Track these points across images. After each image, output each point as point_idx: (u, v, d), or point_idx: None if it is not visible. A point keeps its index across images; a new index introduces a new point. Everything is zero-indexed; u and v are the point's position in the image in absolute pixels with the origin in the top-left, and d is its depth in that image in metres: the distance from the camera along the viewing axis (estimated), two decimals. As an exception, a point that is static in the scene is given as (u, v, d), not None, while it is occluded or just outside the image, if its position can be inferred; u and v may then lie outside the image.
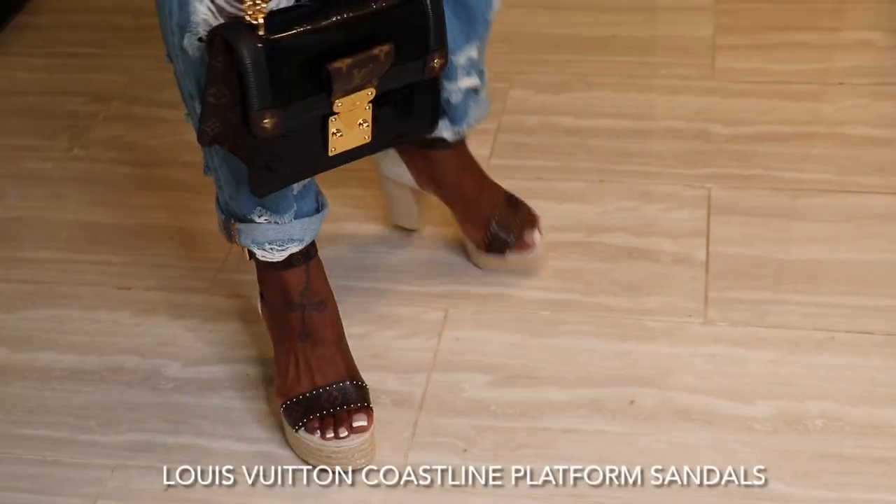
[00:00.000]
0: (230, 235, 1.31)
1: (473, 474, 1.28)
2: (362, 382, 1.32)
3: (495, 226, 1.50)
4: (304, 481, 1.29)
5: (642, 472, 1.27)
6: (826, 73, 1.89)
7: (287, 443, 1.32)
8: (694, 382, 1.37)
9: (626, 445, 1.30)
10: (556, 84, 1.90)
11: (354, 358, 1.42)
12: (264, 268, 1.33)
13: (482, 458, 1.30)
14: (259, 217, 1.27)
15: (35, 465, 1.33)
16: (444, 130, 1.44)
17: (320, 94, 1.10)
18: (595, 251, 1.57)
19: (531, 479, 1.27)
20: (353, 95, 1.13)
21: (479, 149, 1.76)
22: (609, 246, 1.57)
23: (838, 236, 1.56)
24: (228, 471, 1.30)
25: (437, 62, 1.17)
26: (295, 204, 1.28)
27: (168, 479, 1.30)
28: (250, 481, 1.29)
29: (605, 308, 1.48)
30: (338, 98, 1.12)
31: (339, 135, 1.16)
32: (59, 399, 1.41)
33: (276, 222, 1.27)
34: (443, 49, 1.17)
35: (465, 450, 1.31)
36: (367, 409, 1.29)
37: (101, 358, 1.46)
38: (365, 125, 1.17)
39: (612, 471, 1.27)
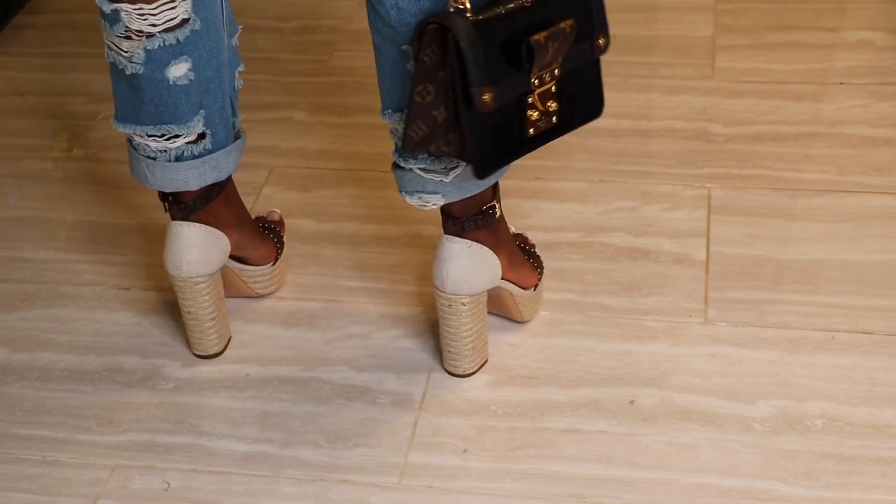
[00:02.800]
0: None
1: (473, 474, 1.28)
2: None
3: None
4: (304, 481, 1.29)
5: (642, 472, 1.27)
6: (826, 73, 1.89)
7: (535, 312, 1.46)
8: (694, 382, 1.37)
9: (626, 445, 1.30)
10: (556, 84, 1.90)
11: (354, 358, 1.43)
12: (498, 206, 1.31)
13: (482, 458, 1.30)
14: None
15: (35, 465, 1.33)
16: None
17: (521, 71, 1.15)
18: (595, 251, 1.57)
19: (531, 479, 1.27)
20: (542, 73, 1.17)
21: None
22: (609, 246, 1.57)
23: (838, 236, 1.56)
24: (228, 471, 1.30)
25: (602, 41, 1.22)
26: None
27: (168, 479, 1.30)
28: (250, 481, 1.29)
29: (605, 308, 1.48)
30: (535, 74, 1.16)
31: (533, 114, 1.19)
32: (59, 399, 1.41)
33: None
34: (605, 29, 1.21)
35: (465, 450, 1.31)
36: None
37: (101, 358, 1.47)
38: (552, 105, 1.20)
39: (611, 471, 1.27)
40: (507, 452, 1.30)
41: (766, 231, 1.58)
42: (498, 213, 1.32)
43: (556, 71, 1.18)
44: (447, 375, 1.40)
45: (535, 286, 1.44)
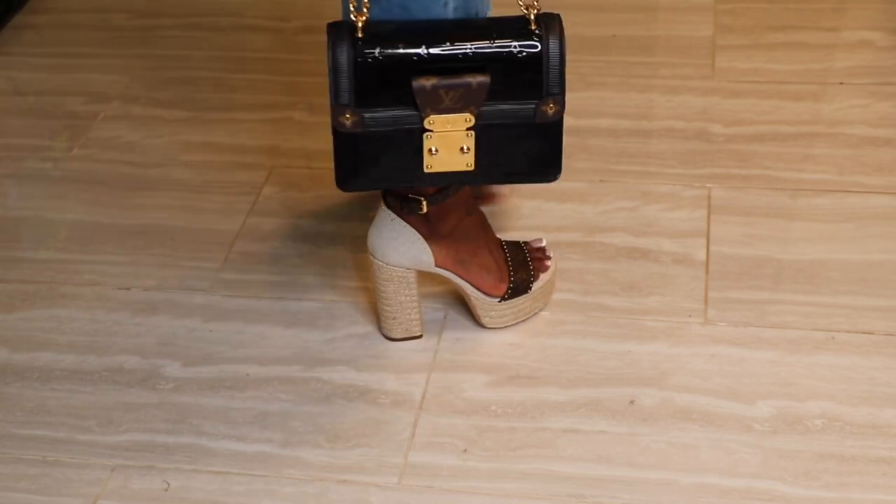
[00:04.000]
0: None
1: (473, 474, 1.28)
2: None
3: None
4: (304, 481, 1.29)
5: (642, 472, 1.27)
6: (826, 73, 1.89)
7: (506, 322, 1.45)
8: (694, 382, 1.37)
9: (626, 445, 1.30)
10: (556, 84, 1.90)
11: (354, 358, 1.43)
12: (448, 196, 1.32)
13: (482, 458, 1.30)
14: None
15: (35, 465, 1.33)
16: None
17: (410, 107, 1.15)
18: (595, 251, 1.57)
19: (531, 479, 1.27)
20: (446, 116, 1.16)
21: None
22: (609, 246, 1.57)
23: (838, 236, 1.56)
24: (228, 471, 1.30)
25: (551, 108, 1.19)
26: None
27: (168, 479, 1.30)
28: (250, 481, 1.29)
29: (605, 308, 1.48)
30: (428, 115, 1.16)
31: (435, 153, 1.19)
32: (59, 399, 1.41)
33: None
34: (559, 96, 1.19)
35: (465, 450, 1.31)
36: (529, 242, 1.46)
37: (101, 358, 1.46)
38: (467, 152, 1.20)
39: (611, 471, 1.27)
40: (507, 452, 1.30)
41: (766, 231, 1.58)
42: (424, 209, 1.31)
43: (469, 119, 1.17)
44: (447, 375, 1.40)
45: (503, 298, 1.42)
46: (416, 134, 1.18)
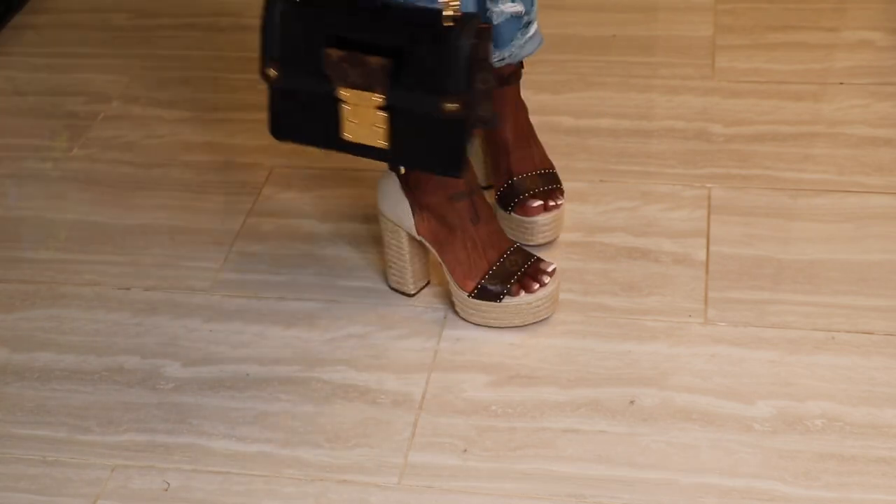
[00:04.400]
0: None
1: (473, 474, 1.28)
2: (520, 244, 1.46)
3: (515, 181, 1.54)
4: (304, 481, 1.29)
5: (642, 472, 1.27)
6: (826, 73, 1.89)
7: (473, 321, 1.45)
8: (694, 382, 1.37)
9: (626, 445, 1.30)
10: (556, 84, 1.90)
11: (354, 358, 1.43)
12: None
13: (482, 458, 1.30)
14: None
15: (35, 465, 1.33)
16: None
17: (325, 75, 1.23)
18: (595, 251, 1.57)
19: (531, 479, 1.27)
20: (357, 92, 1.23)
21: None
22: (609, 246, 1.57)
23: (838, 236, 1.56)
24: (228, 471, 1.31)
25: (449, 105, 1.22)
26: None
27: (168, 479, 1.30)
28: (250, 481, 1.29)
29: (605, 308, 1.48)
30: (339, 86, 1.23)
31: (353, 123, 1.27)
32: (59, 399, 1.41)
33: None
34: (460, 97, 1.21)
35: (465, 450, 1.31)
36: (543, 260, 1.44)
37: (101, 358, 1.47)
38: (379, 130, 1.25)
39: (611, 471, 1.27)
40: (507, 452, 1.30)
41: (766, 231, 1.58)
42: (401, 170, 1.39)
43: (377, 98, 1.22)
44: (447, 375, 1.40)
45: (470, 294, 1.43)
46: (334, 101, 1.26)
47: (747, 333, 1.43)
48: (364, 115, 1.26)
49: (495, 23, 1.45)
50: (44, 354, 1.48)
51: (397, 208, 1.44)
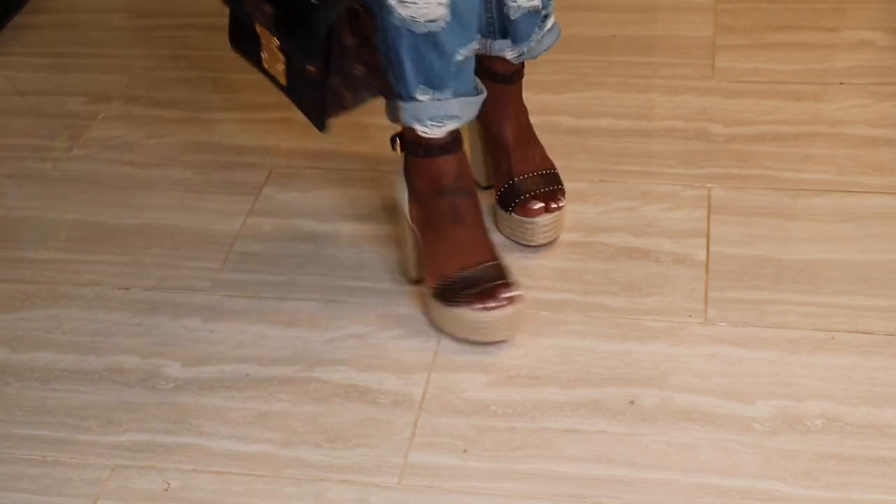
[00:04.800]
0: (394, 115, 1.41)
1: (473, 474, 1.28)
2: (505, 264, 1.44)
3: (516, 181, 1.55)
4: (304, 481, 1.29)
5: (642, 472, 1.27)
6: (826, 72, 1.89)
7: (430, 320, 1.46)
8: (694, 382, 1.37)
9: (626, 445, 1.30)
10: (556, 84, 1.90)
11: (354, 358, 1.43)
12: (419, 155, 1.42)
13: (482, 458, 1.30)
14: (422, 95, 1.36)
15: (35, 465, 1.33)
16: (506, 50, 1.51)
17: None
18: (595, 251, 1.57)
19: (531, 479, 1.27)
20: (264, 31, 1.38)
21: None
22: (609, 246, 1.57)
23: (838, 236, 1.56)
24: (228, 471, 1.30)
25: (309, 67, 1.33)
26: (453, 83, 1.36)
27: (168, 479, 1.30)
28: (250, 481, 1.29)
29: (605, 308, 1.48)
30: (256, 22, 1.38)
31: (266, 56, 1.40)
32: (59, 399, 1.41)
33: (437, 99, 1.37)
34: (317, 62, 1.32)
35: (465, 450, 1.31)
36: (513, 285, 1.41)
37: (101, 358, 1.47)
38: (280, 67, 1.38)
39: (611, 471, 1.27)
40: (507, 452, 1.30)
41: (766, 231, 1.58)
42: (396, 148, 1.44)
43: (274, 40, 1.35)
44: (447, 375, 1.40)
45: (432, 291, 1.44)
46: (256, 33, 1.40)
47: (747, 333, 1.43)
48: (272, 52, 1.38)
49: (513, 18, 1.46)
50: (44, 354, 1.48)
51: (400, 193, 1.47)
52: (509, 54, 1.51)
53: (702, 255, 1.55)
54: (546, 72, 1.92)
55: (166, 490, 1.29)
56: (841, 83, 1.86)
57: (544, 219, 1.54)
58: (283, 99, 1.96)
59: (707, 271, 1.52)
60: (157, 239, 1.65)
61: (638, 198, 1.65)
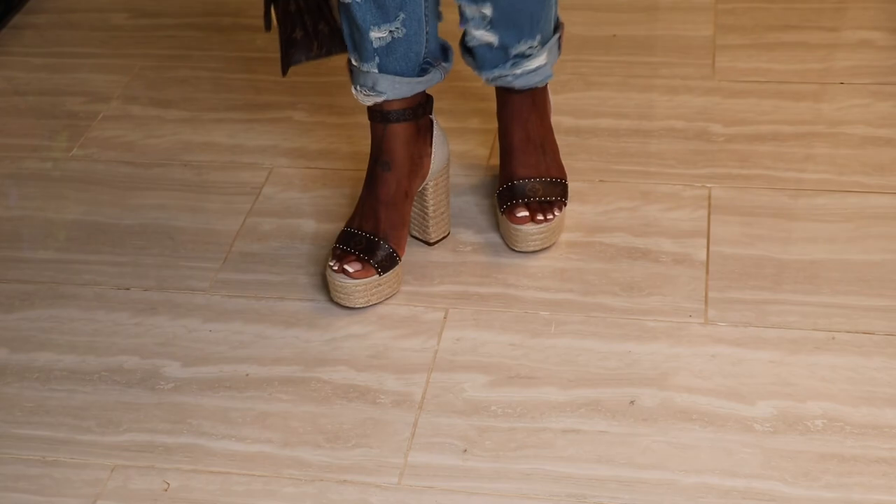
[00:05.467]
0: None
1: (473, 474, 1.28)
2: (394, 250, 1.50)
3: (515, 184, 1.55)
4: (304, 481, 1.29)
5: (642, 472, 1.27)
6: (826, 72, 1.89)
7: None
8: (694, 382, 1.37)
9: (626, 445, 1.30)
10: (556, 84, 1.90)
11: (354, 358, 1.43)
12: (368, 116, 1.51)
13: (482, 458, 1.30)
14: (353, 60, 1.47)
15: (35, 465, 1.33)
16: (475, 71, 1.53)
17: None
18: (595, 251, 1.57)
19: (531, 479, 1.27)
20: None
21: (478, 148, 1.76)
22: (609, 246, 1.57)
23: (838, 236, 1.56)
24: (228, 471, 1.30)
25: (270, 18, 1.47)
26: (376, 57, 1.43)
27: (168, 479, 1.30)
28: (250, 481, 1.29)
29: (605, 308, 1.48)
30: None
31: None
32: (59, 399, 1.41)
33: (363, 70, 1.45)
34: (266, 18, 1.45)
35: (465, 450, 1.31)
36: (366, 262, 1.48)
37: (101, 358, 1.46)
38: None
39: (612, 471, 1.27)
40: (507, 452, 1.30)
41: (766, 231, 1.58)
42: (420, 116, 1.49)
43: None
44: (447, 375, 1.40)
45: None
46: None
47: (748, 334, 1.43)
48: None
49: (469, 45, 1.49)
50: (44, 354, 1.48)
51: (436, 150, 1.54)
52: (481, 76, 1.53)
53: (702, 255, 1.55)
54: (546, 72, 1.92)
55: (166, 490, 1.29)
56: (841, 83, 1.86)
57: (530, 227, 1.53)
58: (283, 99, 1.97)
59: (707, 271, 1.52)
60: (157, 239, 1.65)
61: (638, 198, 1.65)
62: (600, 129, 1.79)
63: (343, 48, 1.48)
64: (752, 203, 1.63)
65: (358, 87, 1.47)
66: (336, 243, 1.51)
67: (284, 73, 1.50)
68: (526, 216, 1.53)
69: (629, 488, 1.25)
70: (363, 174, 1.65)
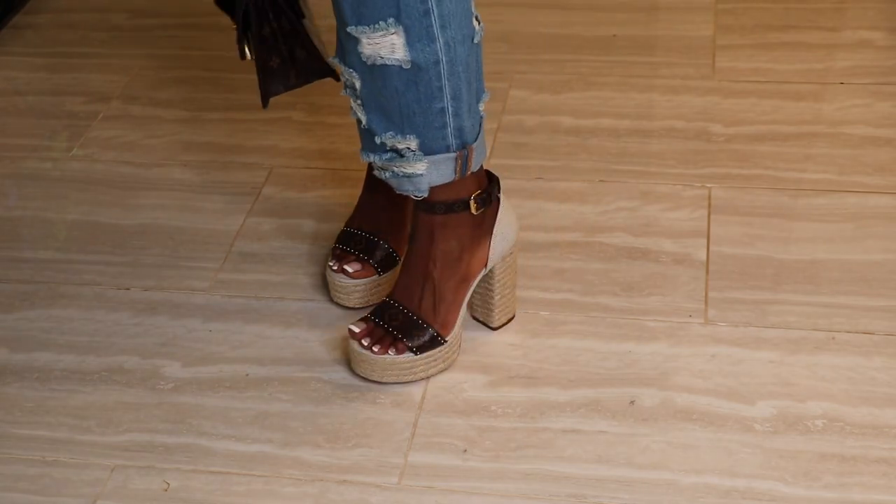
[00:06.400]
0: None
1: (473, 474, 1.28)
2: (394, 251, 1.47)
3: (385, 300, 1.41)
4: (304, 481, 1.29)
5: (642, 472, 1.27)
6: (826, 72, 1.89)
7: None
8: (694, 382, 1.37)
9: (626, 445, 1.30)
10: (555, 84, 1.90)
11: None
12: None
13: (482, 458, 1.30)
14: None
15: (35, 465, 1.33)
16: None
17: None
18: (595, 251, 1.57)
19: (531, 479, 1.27)
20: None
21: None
22: (609, 246, 1.57)
23: (838, 236, 1.56)
24: (228, 471, 1.30)
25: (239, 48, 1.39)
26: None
27: (168, 479, 1.30)
28: (250, 481, 1.29)
29: (605, 308, 1.48)
30: None
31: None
32: (59, 399, 1.41)
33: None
34: (240, 45, 1.37)
35: (465, 450, 1.31)
36: (366, 262, 1.47)
37: (101, 358, 1.46)
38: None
39: (611, 471, 1.27)
40: (507, 452, 1.30)
41: (766, 231, 1.58)
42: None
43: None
44: (447, 375, 1.40)
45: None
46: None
47: (748, 334, 1.43)
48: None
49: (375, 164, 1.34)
50: (43, 354, 1.48)
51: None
52: (360, 156, 1.37)
53: (702, 255, 1.54)
54: (546, 72, 1.92)
55: (166, 490, 1.29)
56: (841, 83, 1.86)
57: (356, 345, 1.38)
58: (283, 99, 1.97)
59: (707, 271, 1.52)
60: (157, 239, 1.65)
61: (638, 198, 1.65)
62: (600, 129, 1.79)
63: (321, 74, 1.40)
64: (752, 203, 1.63)
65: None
66: (336, 243, 1.51)
67: (265, 104, 1.41)
68: (362, 330, 1.38)
69: (629, 488, 1.25)
70: (363, 174, 1.65)
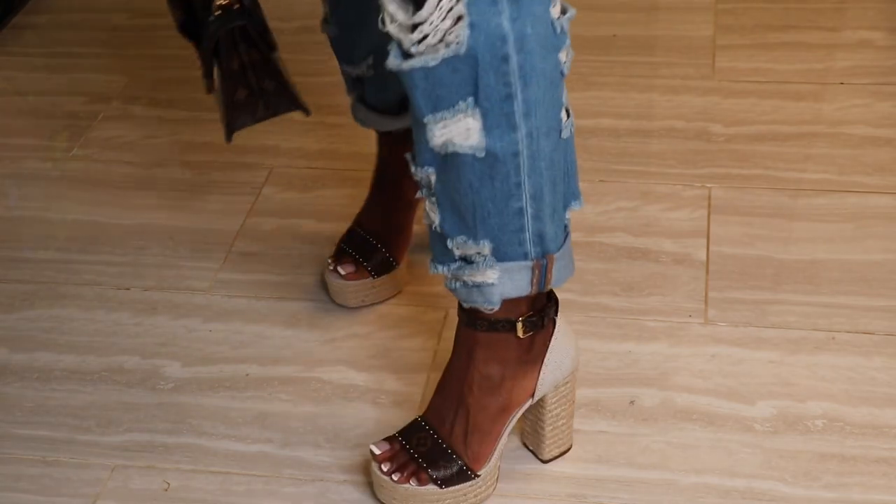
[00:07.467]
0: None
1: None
2: (392, 256, 1.48)
3: (416, 420, 1.26)
4: (304, 481, 1.29)
5: (642, 472, 1.27)
6: (826, 72, 1.89)
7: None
8: (694, 382, 1.37)
9: (626, 445, 1.30)
10: (556, 84, 1.90)
11: (354, 358, 1.43)
12: None
13: (482, 459, 1.30)
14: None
15: (35, 465, 1.33)
16: None
17: None
18: (595, 251, 1.57)
19: (531, 480, 1.27)
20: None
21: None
22: (609, 246, 1.57)
23: (838, 236, 1.56)
24: (228, 471, 1.30)
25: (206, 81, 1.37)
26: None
27: (168, 479, 1.30)
28: (250, 481, 1.29)
29: (605, 308, 1.48)
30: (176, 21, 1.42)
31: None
32: (59, 399, 1.41)
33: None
34: (208, 79, 1.36)
35: (465, 450, 1.31)
36: (361, 265, 1.47)
37: (101, 358, 1.46)
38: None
39: (611, 471, 1.27)
40: (506, 452, 1.30)
41: (766, 231, 1.58)
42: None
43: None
44: (447, 375, 1.40)
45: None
46: None
47: (748, 333, 1.43)
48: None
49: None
50: (44, 354, 1.48)
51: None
52: (430, 268, 1.20)
53: (702, 255, 1.55)
54: (546, 72, 1.92)
55: (166, 490, 1.29)
56: (841, 83, 1.86)
57: (378, 470, 1.24)
58: (283, 99, 1.95)
59: (707, 271, 1.52)
60: (157, 239, 1.65)
61: (638, 198, 1.65)
62: (600, 129, 1.79)
63: (289, 107, 1.34)
64: (752, 203, 1.63)
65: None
66: (340, 241, 1.51)
67: (228, 139, 1.33)
68: (384, 452, 1.23)
69: (629, 488, 1.25)
70: (363, 174, 1.66)
